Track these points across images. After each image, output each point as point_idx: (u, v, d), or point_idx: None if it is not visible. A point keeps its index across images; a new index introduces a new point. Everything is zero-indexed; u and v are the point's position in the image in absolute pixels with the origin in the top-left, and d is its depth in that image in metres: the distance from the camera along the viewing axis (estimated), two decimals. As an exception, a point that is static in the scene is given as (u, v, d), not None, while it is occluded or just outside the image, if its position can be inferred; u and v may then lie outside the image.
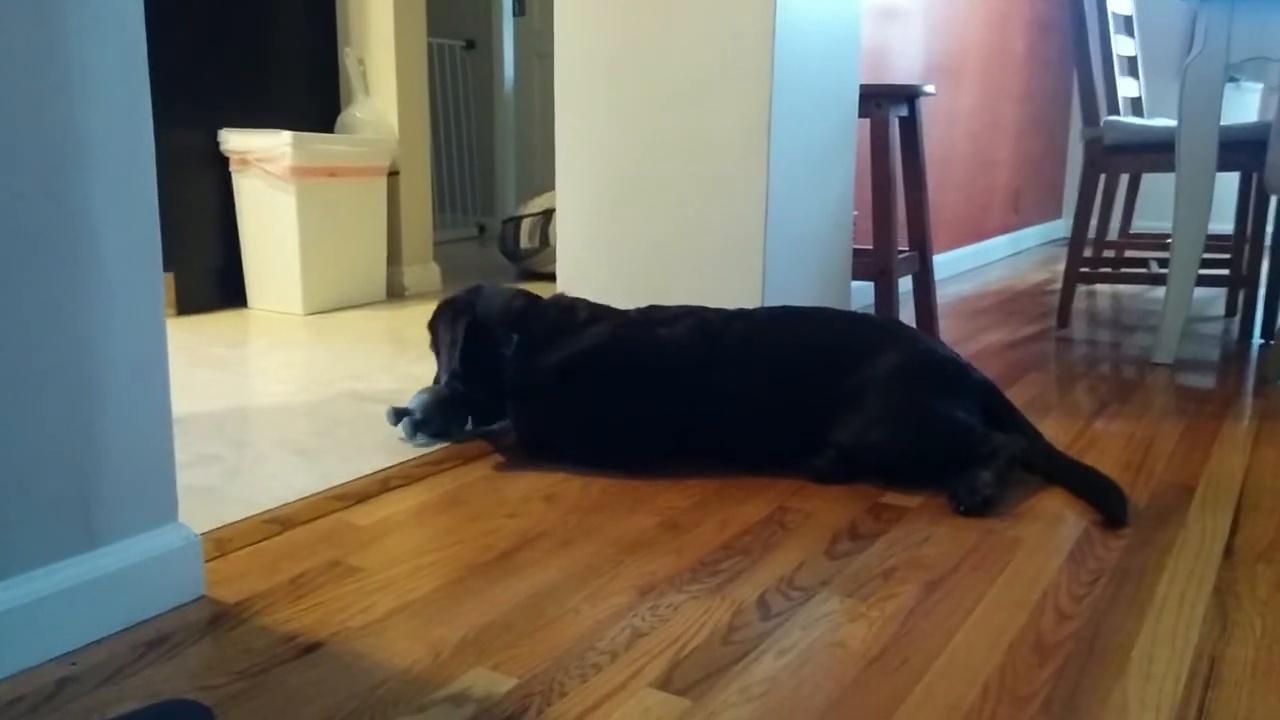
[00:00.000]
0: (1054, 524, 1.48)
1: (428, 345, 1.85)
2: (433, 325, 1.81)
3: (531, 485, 1.62)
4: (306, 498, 1.52)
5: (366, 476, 1.61)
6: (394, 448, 1.76)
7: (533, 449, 1.76)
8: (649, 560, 1.33)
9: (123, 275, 1.09)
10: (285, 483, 1.58)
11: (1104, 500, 1.53)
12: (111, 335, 1.09)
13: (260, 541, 1.37)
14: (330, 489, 1.56)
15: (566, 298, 1.82)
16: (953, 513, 1.52)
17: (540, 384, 1.70)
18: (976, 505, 1.50)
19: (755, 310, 1.78)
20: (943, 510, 1.53)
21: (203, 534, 1.34)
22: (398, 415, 1.80)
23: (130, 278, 1.10)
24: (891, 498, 1.59)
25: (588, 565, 1.31)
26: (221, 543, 1.34)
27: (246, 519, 1.42)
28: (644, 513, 1.51)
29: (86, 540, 1.09)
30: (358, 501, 1.52)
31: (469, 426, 1.83)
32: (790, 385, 1.68)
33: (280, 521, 1.43)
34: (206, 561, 1.27)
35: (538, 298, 1.81)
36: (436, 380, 1.82)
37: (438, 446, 1.77)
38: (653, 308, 1.79)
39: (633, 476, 1.65)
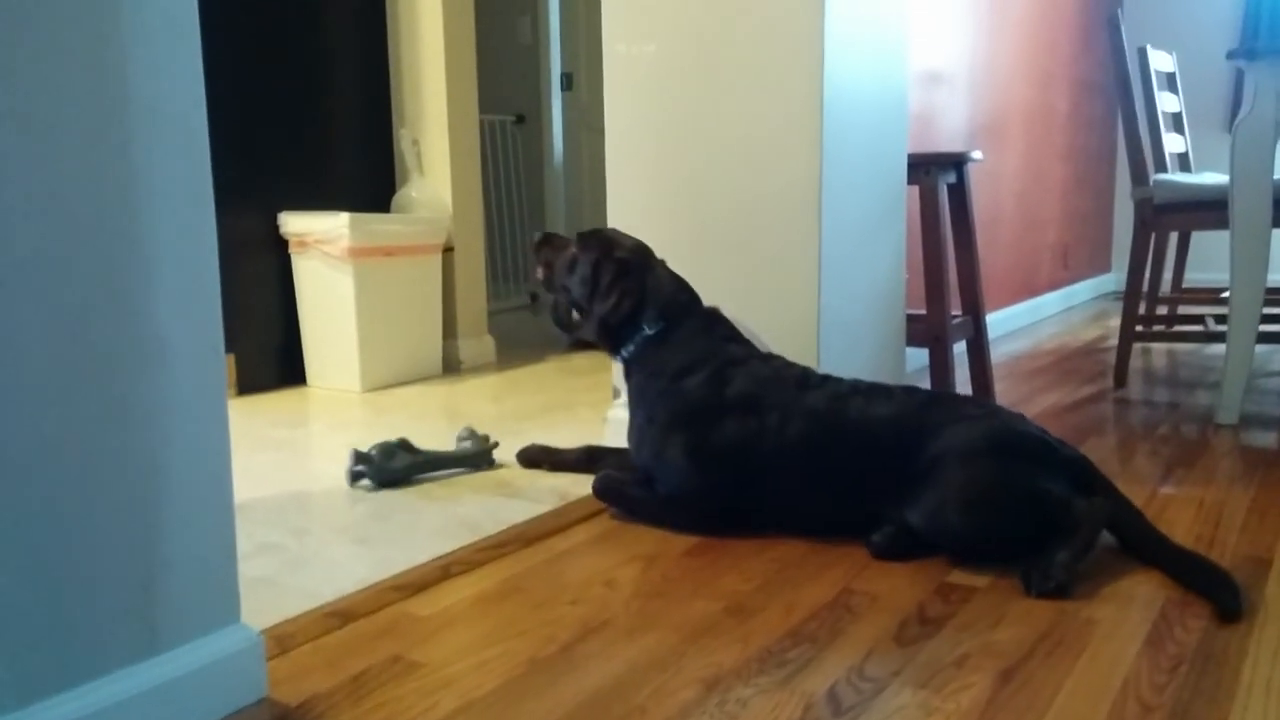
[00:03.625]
0: (1128, 604, 1.44)
1: (535, 247, 2.06)
2: (590, 257, 1.91)
3: (593, 569, 1.61)
4: (367, 588, 1.52)
5: (427, 564, 1.62)
6: (453, 532, 1.76)
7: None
8: (714, 650, 1.32)
9: (186, 376, 1.11)
10: (346, 571, 1.59)
11: (1216, 591, 1.43)
12: (175, 437, 1.11)
13: (321, 636, 1.37)
14: (390, 578, 1.56)
15: (716, 315, 1.92)
16: (1023, 593, 1.48)
17: (648, 376, 1.85)
18: (1049, 590, 1.45)
19: (842, 379, 1.81)
20: (1013, 590, 1.49)
21: (264, 630, 1.35)
22: (355, 477, 2.01)
23: (194, 378, 1.12)
24: (958, 576, 1.55)
25: (651, 657, 1.30)
26: (283, 639, 1.35)
27: (308, 612, 1.43)
28: (706, 597, 1.49)
29: (149, 645, 1.10)
30: (418, 590, 1.52)
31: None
32: (863, 454, 1.67)
33: (341, 614, 1.43)
34: (268, 660, 1.28)
35: (698, 303, 1.93)
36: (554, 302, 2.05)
37: (498, 530, 1.76)
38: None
39: (692, 537, 1.64)
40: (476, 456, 2.14)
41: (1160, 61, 3.51)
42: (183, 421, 1.11)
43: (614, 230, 2.00)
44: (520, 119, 5.21)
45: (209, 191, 1.14)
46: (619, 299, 1.88)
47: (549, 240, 2.04)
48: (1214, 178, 3.04)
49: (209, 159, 1.13)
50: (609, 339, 1.92)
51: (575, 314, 2.01)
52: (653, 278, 1.90)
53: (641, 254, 1.93)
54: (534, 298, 5.31)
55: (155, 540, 1.10)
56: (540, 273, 2.03)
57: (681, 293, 1.92)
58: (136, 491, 1.08)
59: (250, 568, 1.61)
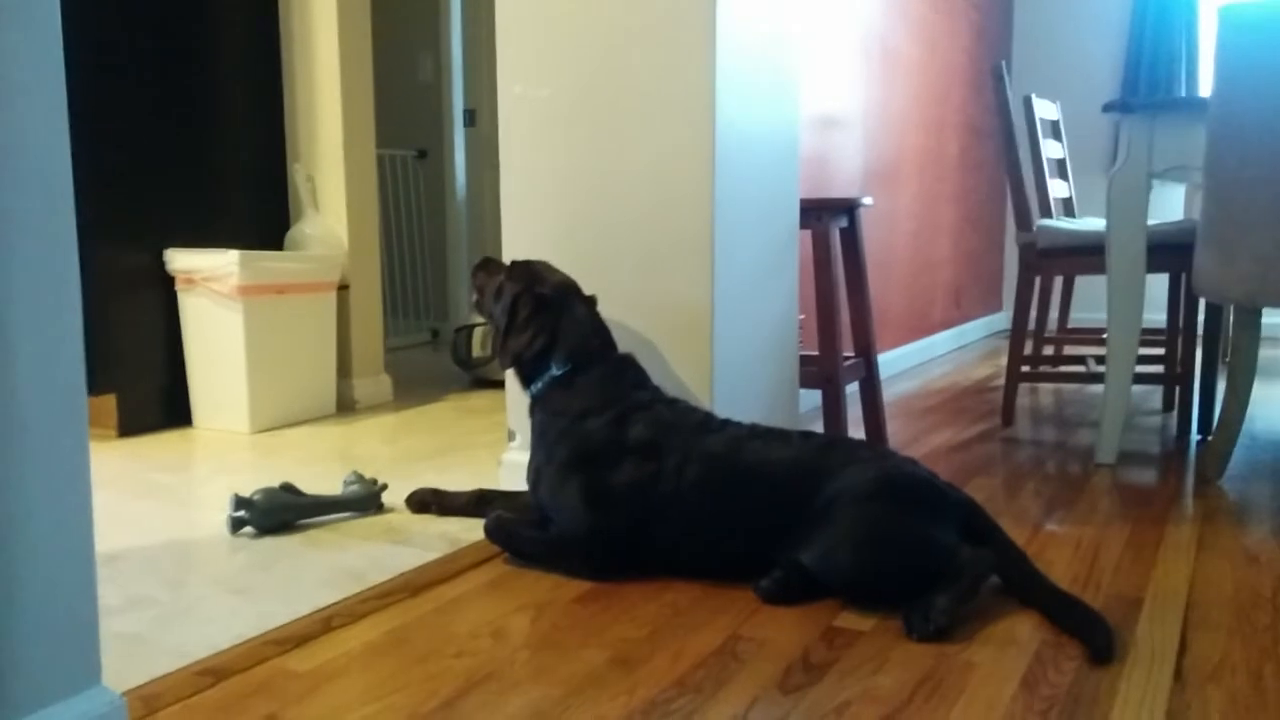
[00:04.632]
0: (1006, 646, 1.47)
1: (475, 280, 2.06)
2: (514, 289, 1.92)
3: (481, 618, 1.58)
4: (243, 643, 1.47)
5: (307, 616, 1.57)
6: (337, 582, 1.71)
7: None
8: (599, 702, 1.30)
9: (43, 428, 1.06)
10: (222, 626, 1.53)
11: (1089, 635, 1.47)
12: (29, 492, 1.05)
13: (191, 696, 1.31)
14: (268, 632, 1.51)
15: (628, 360, 1.92)
16: (906, 636, 1.50)
17: (550, 415, 1.85)
18: (929, 634, 1.48)
19: (741, 423, 1.83)
20: (896, 633, 1.51)
21: (130, 690, 1.30)
22: (237, 524, 1.97)
23: (51, 431, 1.07)
24: (845, 620, 1.57)
25: (535, 711, 1.28)
26: (149, 700, 1.29)
27: (177, 670, 1.37)
28: (594, 647, 1.48)
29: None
30: (297, 645, 1.48)
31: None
32: (759, 497, 1.69)
33: (213, 672, 1.37)
34: (135, 722, 1.22)
35: (611, 349, 1.93)
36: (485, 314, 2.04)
37: (384, 579, 1.72)
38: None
39: (584, 583, 1.62)
40: (364, 500, 2.10)
41: (1045, 110, 3.66)
42: (38, 476, 1.06)
43: (545, 264, 2.00)
44: (422, 154, 5.17)
45: (71, 233, 1.09)
46: (532, 335, 1.88)
47: (486, 265, 2.05)
48: (1095, 223, 3.17)
49: (72, 197, 1.09)
50: (520, 373, 1.94)
51: (493, 343, 2.05)
52: (568, 318, 1.90)
53: (563, 292, 1.93)
54: (435, 335, 5.25)
55: (6, 601, 1.04)
56: (474, 296, 2.05)
57: (594, 337, 1.91)
58: (-16, 551, 1.02)
59: (119, 623, 1.54)
